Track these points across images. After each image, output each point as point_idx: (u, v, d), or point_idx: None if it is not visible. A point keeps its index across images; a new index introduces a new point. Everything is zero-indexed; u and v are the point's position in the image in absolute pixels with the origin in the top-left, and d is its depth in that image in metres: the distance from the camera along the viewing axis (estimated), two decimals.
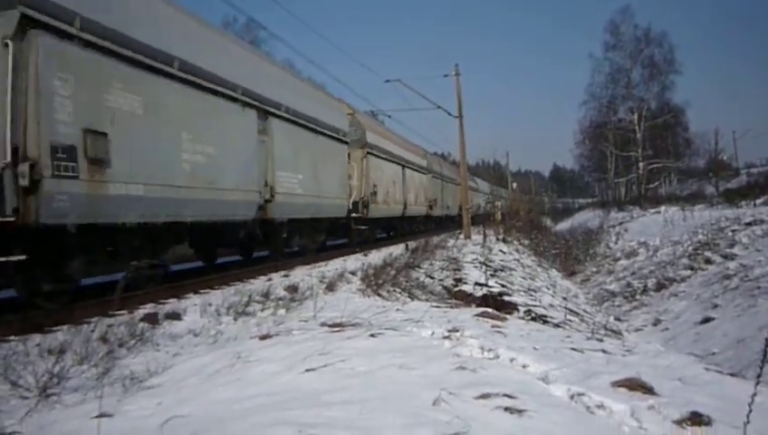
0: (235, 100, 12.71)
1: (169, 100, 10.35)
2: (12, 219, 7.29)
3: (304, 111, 16.34)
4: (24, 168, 7.31)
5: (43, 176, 7.48)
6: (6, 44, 7.26)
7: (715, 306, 17.66)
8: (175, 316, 8.12)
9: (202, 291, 11.12)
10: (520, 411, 3.90)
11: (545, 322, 12.81)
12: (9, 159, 7.26)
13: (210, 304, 8.79)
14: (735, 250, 22.45)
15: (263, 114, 13.95)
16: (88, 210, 8.39)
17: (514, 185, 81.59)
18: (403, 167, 27.53)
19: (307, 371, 4.71)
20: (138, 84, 9.46)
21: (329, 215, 18.31)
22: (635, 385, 4.78)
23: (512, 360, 5.43)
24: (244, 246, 16.06)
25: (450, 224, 33.42)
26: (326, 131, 18.01)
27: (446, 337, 6.28)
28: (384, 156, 24.01)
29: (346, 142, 19.92)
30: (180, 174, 10.57)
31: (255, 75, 13.90)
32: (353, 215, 20.46)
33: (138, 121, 9.42)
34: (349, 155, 20.37)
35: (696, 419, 4.20)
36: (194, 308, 8.71)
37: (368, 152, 21.67)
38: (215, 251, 15.14)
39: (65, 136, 7.87)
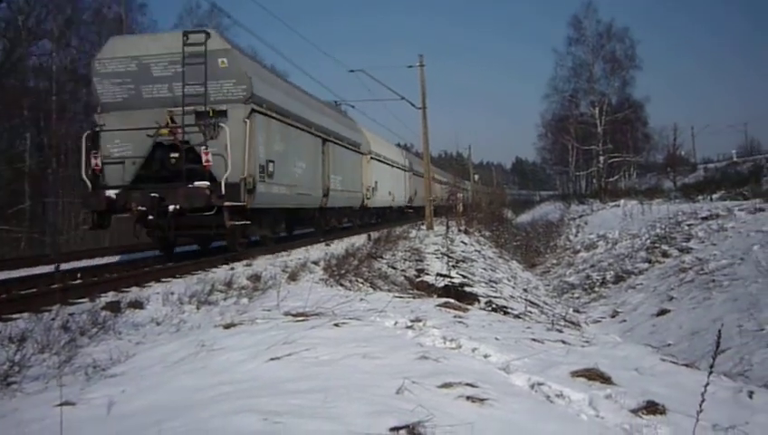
0: (312, 133, 18.34)
1: (293, 140, 16.53)
2: (243, 204, 13.30)
3: (341, 135, 22.01)
4: (249, 179, 13.41)
5: (255, 182, 13.60)
6: (245, 121, 13.30)
7: (671, 299, 18.00)
8: (137, 305, 8.05)
9: (164, 279, 11.01)
10: (482, 400, 3.97)
11: (506, 313, 12.97)
12: (245, 175, 13.30)
13: (172, 293, 8.73)
14: (691, 244, 22.87)
15: (323, 140, 19.46)
16: (268, 200, 14.68)
17: (477, 177, 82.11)
18: (391, 166, 31.90)
19: (272, 359, 4.73)
20: (283, 134, 15.81)
21: (351, 204, 23.92)
22: (593, 375, 4.89)
23: (474, 350, 5.51)
24: (314, 224, 21.00)
25: (416, 215, 36.20)
26: (351, 146, 23.40)
27: (408, 327, 6.34)
28: (381, 159, 29.29)
29: (361, 152, 25.12)
30: (296, 181, 16.73)
31: (320, 116, 19.69)
32: (363, 204, 25.69)
33: (283, 153, 15.67)
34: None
35: (652, 407, 4.32)
36: (156, 297, 8.64)
37: (371, 158, 26.88)
38: (294, 227, 20.46)
39: (261, 162, 14.01)
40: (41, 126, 34.69)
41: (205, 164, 12.73)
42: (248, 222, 13.82)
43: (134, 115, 13.20)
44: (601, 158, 53.13)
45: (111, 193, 12.79)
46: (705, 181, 46.33)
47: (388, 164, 30.82)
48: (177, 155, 13.04)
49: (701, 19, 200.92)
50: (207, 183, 12.59)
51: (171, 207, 12.36)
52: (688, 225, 25.55)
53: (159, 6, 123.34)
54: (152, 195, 12.45)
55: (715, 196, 37.11)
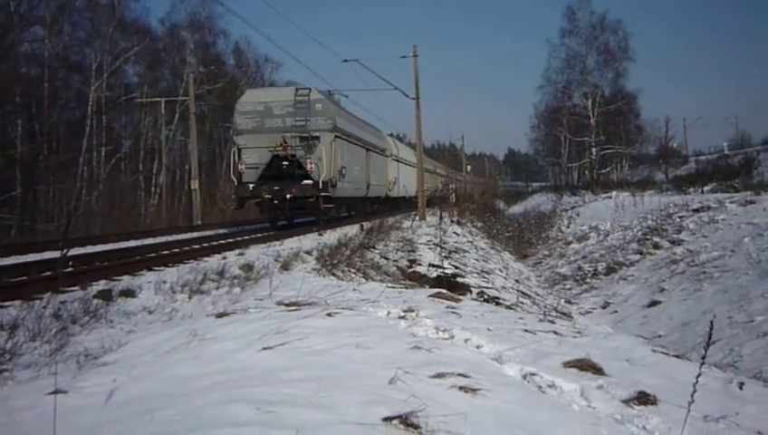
0: (361, 147, 25.44)
1: (352, 152, 23.74)
2: (329, 195, 19.87)
3: (375, 144, 29.14)
4: (333, 179, 20.10)
5: (336, 181, 20.39)
6: (331, 143, 20.07)
7: (662, 290, 18.10)
8: (129, 293, 8.04)
9: (156, 268, 10.99)
10: (474, 390, 3.98)
11: (498, 303, 12.99)
12: (330, 176, 19.88)
13: (165, 282, 8.71)
14: (683, 236, 22.96)
15: (366, 150, 26.51)
16: (341, 193, 21.49)
17: (469, 168, 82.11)
18: (405, 164, 38.01)
19: (264, 349, 4.73)
20: (353, 150, 23.64)
21: (380, 195, 30.61)
22: (585, 366, 4.92)
23: (466, 340, 5.53)
24: (357, 209, 27.55)
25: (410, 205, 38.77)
26: (380, 152, 30.17)
27: (401, 317, 6.35)
28: (398, 159, 36.01)
29: (385, 155, 31.50)
30: (354, 179, 24.11)
31: (365, 133, 26.99)
32: (387, 195, 32.35)
33: (348, 161, 22.71)
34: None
35: (643, 398, 4.35)
36: (148, 285, 8.63)
37: (392, 159, 33.56)
38: (349, 211, 26.91)
39: (338, 168, 20.89)
40: (32, 113, 34.55)
41: (308, 169, 19.91)
42: (332, 205, 20.54)
43: (260, 137, 20.32)
44: (594, 149, 53.25)
45: (250, 186, 20.04)
46: (696, 173, 46.36)
47: (403, 163, 37.38)
48: (287, 163, 20.04)
49: (694, 11, 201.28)
50: (311, 181, 19.76)
51: (288, 196, 19.68)
52: (680, 217, 25.64)
53: None
54: (275, 188, 19.65)
55: (706, 188, 37.21)
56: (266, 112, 20.43)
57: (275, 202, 19.88)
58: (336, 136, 20.76)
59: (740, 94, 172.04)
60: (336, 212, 22.25)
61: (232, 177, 20.68)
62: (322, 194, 19.69)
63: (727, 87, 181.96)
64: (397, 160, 35.14)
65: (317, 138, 20.17)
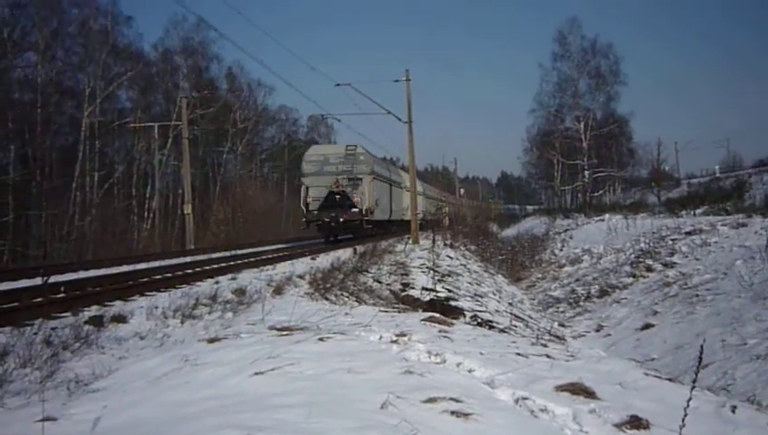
0: (386, 183, 33.16)
1: (382, 187, 31.65)
2: (369, 218, 28.63)
3: (395, 179, 36.74)
4: (371, 208, 28.66)
5: (373, 210, 28.97)
6: (370, 183, 28.67)
7: (656, 313, 18.09)
8: (121, 319, 8.01)
9: (149, 293, 10.96)
10: (466, 415, 3.97)
11: (491, 327, 12.97)
12: (369, 206, 28.47)
13: (157, 307, 8.69)
14: (675, 259, 23.02)
15: (390, 185, 34.33)
16: (376, 218, 29.98)
17: (462, 191, 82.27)
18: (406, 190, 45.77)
19: (256, 374, 4.71)
20: (382, 187, 32.02)
21: (397, 218, 37.04)
22: (577, 389, 4.90)
23: (458, 364, 5.51)
24: (397, 229, 35.65)
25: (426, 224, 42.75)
26: (400, 186, 37.53)
27: (393, 341, 6.33)
28: (408, 190, 42.45)
29: (401, 187, 37.80)
30: (383, 207, 31.87)
31: (388, 172, 35.28)
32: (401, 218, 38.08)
33: (379, 194, 30.65)
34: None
35: (636, 422, 4.33)
36: (140, 311, 8.60)
37: (405, 190, 37.97)
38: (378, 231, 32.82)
39: (374, 200, 29.13)
40: (25, 138, 34.50)
41: (354, 201, 27.94)
42: (370, 226, 29.12)
43: (320, 179, 28.44)
44: (586, 172, 53.44)
45: (314, 212, 28.03)
46: (688, 196, 46.59)
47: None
48: (339, 196, 28.05)
49: (686, 34, 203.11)
50: (357, 209, 27.77)
51: (341, 219, 27.73)
52: (672, 239, 25.72)
53: (146, 19, 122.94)
54: (332, 214, 27.75)
55: (698, 211, 37.39)
56: (325, 162, 28.85)
57: (332, 224, 28.07)
58: (373, 177, 29.12)
59: (731, 117, 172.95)
60: (371, 231, 30.37)
61: (301, 205, 28.91)
62: (365, 218, 28.09)
63: (719, 110, 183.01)
64: (407, 190, 39.60)
65: (360, 179, 28.40)
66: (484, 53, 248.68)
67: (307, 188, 28.49)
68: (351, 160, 28.47)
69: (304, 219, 28.61)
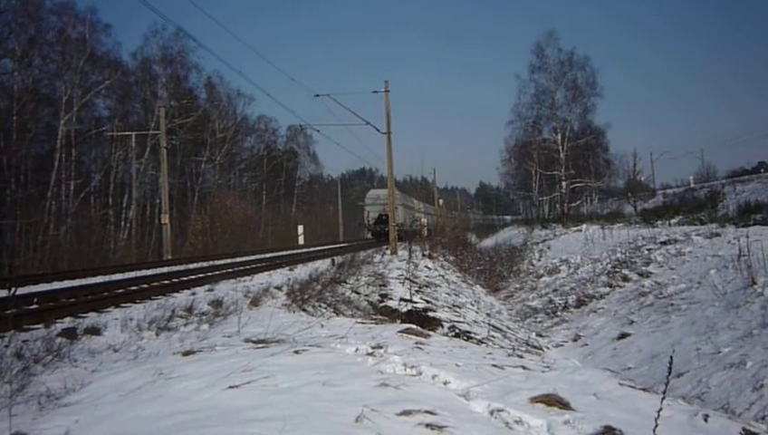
0: (410, 208, 56.55)
1: (405, 210, 52.69)
2: (403, 229, 45.82)
3: (411, 205, 57.01)
4: (400, 224, 43.86)
5: (404, 225, 48.56)
6: (400, 209, 49.06)
7: (632, 322, 18.22)
8: (94, 331, 7.92)
9: (124, 305, 10.87)
10: (440, 428, 3.98)
11: (469, 338, 13.01)
12: (402, 221, 47.75)
13: (131, 319, 8.62)
14: (651, 268, 23.19)
15: (404, 207, 52.76)
16: (402, 229, 44.40)
17: (441, 201, 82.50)
18: (412, 209, 59.95)
19: (230, 387, 4.69)
20: (404, 209, 53.29)
21: (408, 229, 47.68)
22: (552, 401, 4.93)
23: (434, 377, 5.51)
24: (407, 236, 43.88)
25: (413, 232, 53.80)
26: (413, 207, 55.89)
27: (369, 354, 6.33)
28: (414, 208, 60.00)
29: (409, 207, 52.70)
30: (405, 221, 51.09)
31: (405, 200, 55.10)
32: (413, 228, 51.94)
33: (403, 214, 50.84)
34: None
35: (609, 432, 4.37)
36: (114, 323, 8.52)
37: (416, 210, 56.14)
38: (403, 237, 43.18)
39: (404, 218, 51.25)
40: (0, 146, 34.10)
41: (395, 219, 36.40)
42: (401, 233, 38.66)
43: (374, 208, 49.13)
44: (564, 183, 53.79)
45: (372, 226, 49.63)
46: (663, 206, 47.05)
47: (409, 208, 57.36)
48: (385, 217, 38.69)
49: (659, 48, 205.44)
50: (395, 225, 32.60)
51: (386, 229, 35.43)
52: (648, 249, 25.91)
53: (123, 28, 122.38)
54: (381, 226, 44.67)
55: (673, 221, 37.68)
56: (377, 198, 48.59)
57: (381, 233, 43.79)
58: (401, 206, 45.98)
59: (705, 128, 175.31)
60: (402, 235, 40.11)
61: (365, 221, 51.00)
62: (398, 229, 34.90)
63: (692, 121, 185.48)
64: (411, 208, 58.73)
65: (397, 208, 37.92)
66: (464, 62, 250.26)
67: (368, 212, 50.29)
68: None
69: (368, 230, 50.80)
